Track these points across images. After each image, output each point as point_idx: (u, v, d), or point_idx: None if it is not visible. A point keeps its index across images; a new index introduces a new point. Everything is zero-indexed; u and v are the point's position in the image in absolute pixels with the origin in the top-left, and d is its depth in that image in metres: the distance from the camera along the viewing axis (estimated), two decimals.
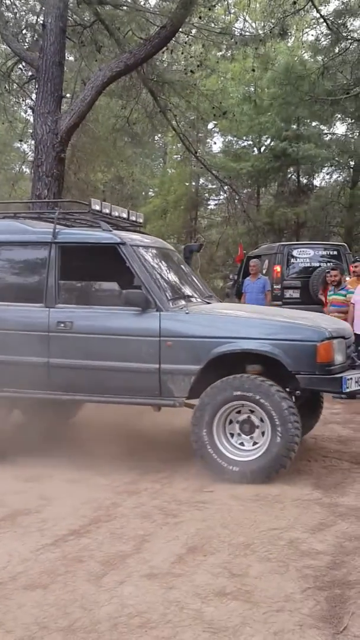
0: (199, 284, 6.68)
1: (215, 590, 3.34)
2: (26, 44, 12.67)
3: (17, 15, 12.86)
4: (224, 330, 5.42)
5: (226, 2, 13.64)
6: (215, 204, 28.92)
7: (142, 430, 6.87)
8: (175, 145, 24.40)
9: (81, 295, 6.06)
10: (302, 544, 3.95)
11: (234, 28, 13.90)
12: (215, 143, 28.64)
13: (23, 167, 24.77)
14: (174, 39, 12.07)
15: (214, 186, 26.46)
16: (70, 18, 11.89)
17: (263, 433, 5.21)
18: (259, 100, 21.98)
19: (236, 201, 20.94)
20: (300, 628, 2.99)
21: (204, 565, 3.64)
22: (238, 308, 6.63)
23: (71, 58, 14.66)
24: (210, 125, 24.57)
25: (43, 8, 11.41)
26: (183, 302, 5.83)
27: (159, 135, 21.51)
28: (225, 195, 23.91)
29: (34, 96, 12.53)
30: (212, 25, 13.51)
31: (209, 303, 6.25)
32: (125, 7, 11.79)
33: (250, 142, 25.48)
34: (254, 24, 16.87)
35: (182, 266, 6.73)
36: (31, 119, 12.93)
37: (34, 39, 12.69)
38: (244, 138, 25.19)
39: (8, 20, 12.05)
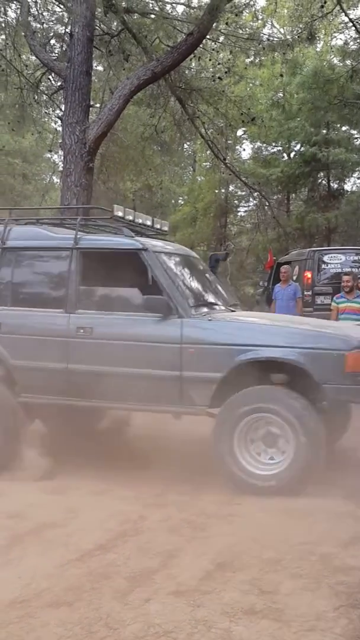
0: (223, 292, 6.59)
1: (244, 608, 3.24)
2: (54, 54, 12.75)
3: (45, 25, 12.96)
4: (248, 337, 5.32)
5: (253, 8, 13.61)
6: (245, 211, 28.77)
7: (167, 439, 6.79)
8: (204, 152, 24.34)
9: (102, 302, 5.96)
10: (335, 559, 3.82)
11: (261, 34, 13.81)
12: (244, 149, 28.56)
13: (53, 177, 24.97)
14: (201, 45, 12.04)
15: (243, 193, 26.29)
16: (97, 27, 11.93)
17: (287, 446, 5.09)
18: (287, 105, 21.82)
19: (266, 207, 20.79)
20: None
21: (232, 582, 3.54)
22: (263, 316, 6.50)
23: (99, 67, 14.73)
24: (239, 132, 24.46)
25: (70, 18, 11.46)
26: (206, 310, 5.76)
27: (188, 143, 21.46)
28: (254, 201, 23.74)
29: (62, 106, 12.59)
30: (240, 31, 13.47)
31: (233, 311, 6.15)
32: (152, 15, 11.81)
33: (280, 148, 25.31)
34: (281, 30, 16.74)
35: (206, 274, 6.66)
36: (60, 129, 12.99)
37: (62, 49, 12.77)
38: (273, 144, 25.04)
39: (36, 31, 12.14)
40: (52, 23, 13.22)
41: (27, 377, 5.75)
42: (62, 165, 11.68)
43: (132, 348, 5.50)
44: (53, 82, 13.85)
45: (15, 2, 12.36)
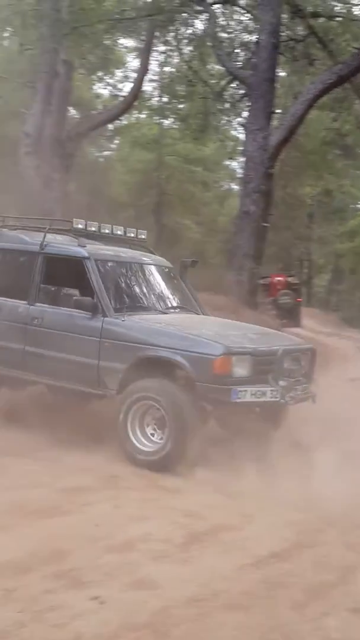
0: (171, 296, 7.58)
1: None
2: (239, 63, 12.94)
3: (231, 34, 13.19)
4: (148, 338, 6.29)
5: None
6: None
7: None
8: None
9: (54, 297, 7.16)
10: None
11: None
12: None
13: (232, 184, 25.31)
14: None
15: None
16: (282, 33, 11.93)
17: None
18: None
19: None
20: None
21: None
22: (176, 320, 6.93)
23: (282, 73, 14.72)
24: None
25: (257, 26, 11.58)
26: (130, 311, 6.67)
27: None
28: None
29: (244, 114, 12.75)
30: None
31: (165, 314, 6.99)
32: (338, 18, 11.61)
33: None
34: None
35: (167, 280, 7.66)
36: (241, 136, 13.16)
37: (247, 57, 12.93)
38: None
39: (222, 41, 12.39)
40: (238, 32, 13.41)
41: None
42: (242, 172, 11.81)
43: (68, 338, 6.66)
44: (237, 90, 14.05)
45: (204, 13, 12.70)
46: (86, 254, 6.79)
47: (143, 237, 7.77)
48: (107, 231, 7.37)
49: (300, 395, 6.39)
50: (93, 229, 7.21)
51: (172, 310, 7.24)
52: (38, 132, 14.08)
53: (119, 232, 7.49)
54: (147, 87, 21.20)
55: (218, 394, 5.97)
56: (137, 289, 7.26)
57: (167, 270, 7.79)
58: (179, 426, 5.84)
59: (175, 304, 7.45)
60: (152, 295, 7.28)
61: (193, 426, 5.90)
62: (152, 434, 6.11)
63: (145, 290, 7.29)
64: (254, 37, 12.06)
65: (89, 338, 6.52)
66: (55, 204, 13.86)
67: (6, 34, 15.85)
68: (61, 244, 7.16)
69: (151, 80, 21.16)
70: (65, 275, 7.11)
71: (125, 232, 7.57)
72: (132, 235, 7.66)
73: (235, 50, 13.17)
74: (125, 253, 7.44)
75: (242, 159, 12.31)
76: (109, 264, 7.01)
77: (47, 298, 7.10)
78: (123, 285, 7.09)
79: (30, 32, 13.92)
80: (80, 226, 7.11)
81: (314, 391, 6.65)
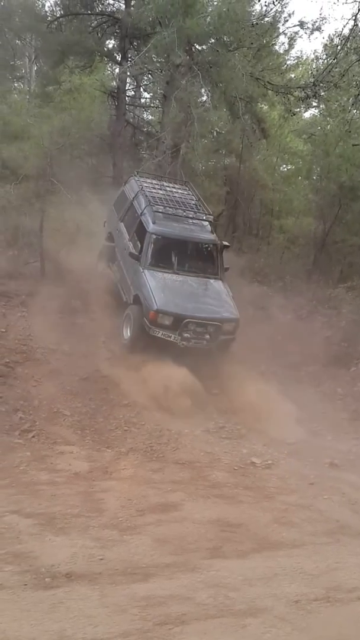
0: (199, 263, 11.98)
1: None
2: None
3: None
4: (142, 285, 11.32)
5: None
6: None
7: None
8: None
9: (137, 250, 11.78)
10: None
11: None
12: None
13: None
14: None
15: None
16: None
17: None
18: None
19: None
20: None
21: None
22: (171, 283, 11.42)
23: None
24: None
25: None
26: (156, 268, 11.37)
27: None
28: None
29: None
30: None
31: (176, 274, 11.50)
32: None
33: None
34: None
35: (202, 252, 12.05)
36: None
37: None
38: None
39: None
40: None
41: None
42: None
43: (131, 271, 11.80)
44: None
45: None
46: (149, 230, 11.54)
47: (210, 217, 12.41)
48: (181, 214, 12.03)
49: (192, 345, 10.73)
50: (170, 212, 11.93)
51: (186, 273, 11.55)
52: None
53: (190, 215, 12.20)
54: None
55: (147, 328, 10.69)
56: (171, 255, 11.51)
57: (207, 245, 12.03)
58: (134, 329, 10.96)
59: (196, 269, 11.74)
60: (180, 260, 11.61)
61: (141, 332, 10.80)
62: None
63: (175, 256, 11.58)
64: None
65: (137, 274, 11.34)
66: None
67: None
68: (149, 223, 11.69)
69: None
70: (142, 239, 11.68)
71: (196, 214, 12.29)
72: (202, 216, 12.35)
73: None
74: (183, 231, 11.82)
75: None
76: (160, 238, 11.55)
77: (135, 247, 11.83)
78: (163, 251, 11.49)
79: None
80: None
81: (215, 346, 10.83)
